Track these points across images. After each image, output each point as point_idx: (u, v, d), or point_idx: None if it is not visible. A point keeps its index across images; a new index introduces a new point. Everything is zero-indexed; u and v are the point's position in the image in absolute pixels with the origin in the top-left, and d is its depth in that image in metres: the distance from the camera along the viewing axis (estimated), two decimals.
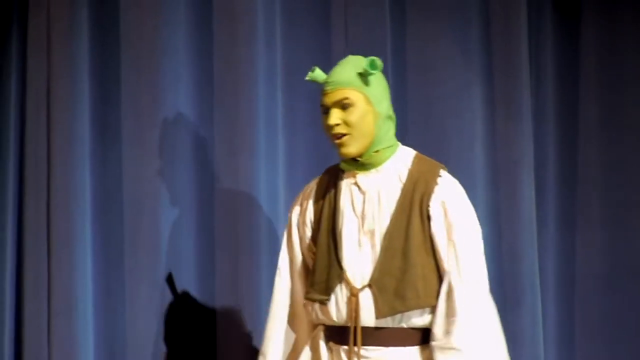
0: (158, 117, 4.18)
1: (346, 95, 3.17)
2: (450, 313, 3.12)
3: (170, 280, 4.14)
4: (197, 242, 4.19)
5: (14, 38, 4.20)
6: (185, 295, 4.17)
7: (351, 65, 3.21)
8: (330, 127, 3.17)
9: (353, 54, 4.20)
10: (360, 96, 3.18)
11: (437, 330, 3.13)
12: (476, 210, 4.21)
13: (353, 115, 3.17)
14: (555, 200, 4.40)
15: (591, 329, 4.36)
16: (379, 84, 3.22)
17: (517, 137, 4.30)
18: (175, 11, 4.21)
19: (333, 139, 3.20)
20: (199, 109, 4.23)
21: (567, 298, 4.39)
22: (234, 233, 4.15)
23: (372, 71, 3.18)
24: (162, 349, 4.15)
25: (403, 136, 4.24)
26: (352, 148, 3.18)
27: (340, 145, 3.19)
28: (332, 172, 3.34)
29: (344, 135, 3.17)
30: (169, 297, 4.16)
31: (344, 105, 3.18)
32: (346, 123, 3.17)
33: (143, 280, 4.14)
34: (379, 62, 3.19)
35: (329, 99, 3.20)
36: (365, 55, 4.19)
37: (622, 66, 4.36)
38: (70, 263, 4.08)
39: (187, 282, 4.18)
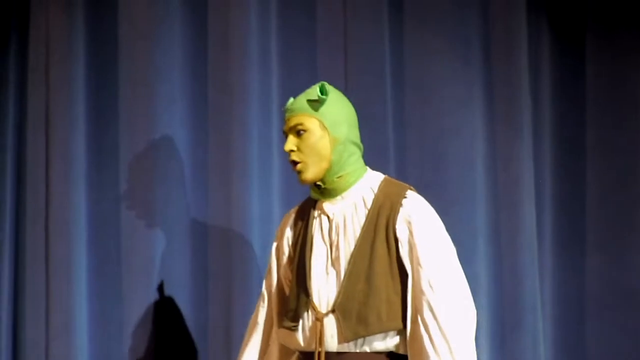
0: (153, 141, 4.21)
1: (300, 121, 3.22)
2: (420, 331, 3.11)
3: (164, 304, 4.17)
4: (191, 265, 4.21)
5: (11, 62, 4.27)
6: (179, 318, 4.19)
7: (307, 93, 3.26)
8: (288, 154, 3.23)
9: (351, 72, 4.26)
10: (315, 121, 3.21)
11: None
12: (477, 230, 4.22)
13: (307, 141, 3.21)
14: (552, 220, 4.34)
15: (587, 351, 4.30)
16: (336, 109, 3.23)
17: (517, 156, 4.26)
18: (170, 35, 4.25)
19: (292, 166, 3.25)
20: (193, 132, 4.26)
21: (564, 320, 4.32)
22: (227, 257, 4.16)
23: (323, 96, 3.20)
24: None
25: (402, 156, 4.26)
26: (308, 174, 3.22)
27: (298, 172, 3.24)
28: (308, 201, 3.38)
29: (298, 162, 3.21)
30: (163, 320, 4.19)
31: (298, 132, 3.22)
32: (300, 149, 3.21)
33: (138, 303, 4.17)
34: (328, 86, 3.23)
35: (286, 126, 3.26)
36: (363, 74, 4.23)
37: (621, 86, 4.31)
38: (68, 286, 4.12)
39: (181, 306, 4.20)
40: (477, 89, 4.28)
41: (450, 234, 3.26)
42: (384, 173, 3.34)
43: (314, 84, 3.63)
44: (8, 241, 4.19)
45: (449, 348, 3.09)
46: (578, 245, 4.33)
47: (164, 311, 4.18)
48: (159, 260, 4.17)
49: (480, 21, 4.30)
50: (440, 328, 3.09)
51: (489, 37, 4.30)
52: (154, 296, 4.17)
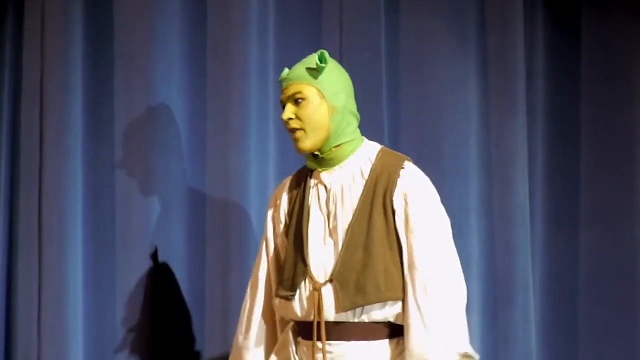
0: (150, 110, 4.20)
1: (299, 90, 3.21)
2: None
3: (160, 274, 4.17)
4: (188, 236, 4.21)
5: (8, 33, 4.24)
6: (176, 289, 4.19)
7: (304, 62, 3.25)
8: (285, 122, 3.22)
9: (347, 49, 4.26)
10: (313, 90, 3.21)
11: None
12: (470, 206, 4.23)
13: (305, 110, 3.20)
14: (544, 198, 4.35)
15: (577, 328, 4.32)
16: (335, 78, 3.23)
17: (512, 132, 4.28)
18: (169, 4, 4.24)
19: (290, 134, 3.24)
20: (191, 103, 4.26)
21: (555, 296, 4.34)
22: (224, 228, 4.18)
23: (322, 64, 3.20)
24: (152, 343, 4.17)
25: (396, 132, 4.26)
26: (306, 143, 3.22)
27: (295, 140, 3.23)
28: (304, 171, 3.37)
29: (298, 130, 3.21)
30: (159, 291, 4.19)
31: (296, 100, 3.22)
32: (299, 117, 3.20)
33: (133, 274, 4.17)
34: (327, 55, 3.22)
35: (284, 95, 3.25)
36: (359, 50, 4.23)
37: (615, 65, 4.34)
38: (61, 257, 4.10)
39: (178, 277, 4.20)
40: (472, 65, 4.30)
41: (444, 209, 3.27)
42: None
43: None
44: (2, 212, 4.17)
45: (442, 332, 3.09)
46: (570, 222, 4.35)
47: (160, 280, 4.19)
48: (155, 230, 4.17)
49: None
50: (433, 309, 3.09)
51: (484, 14, 4.31)
52: (150, 265, 4.17)
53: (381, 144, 3.35)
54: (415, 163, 3.29)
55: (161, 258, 4.18)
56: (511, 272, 4.23)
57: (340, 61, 4.17)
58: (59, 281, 4.11)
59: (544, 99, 4.37)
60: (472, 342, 4.13)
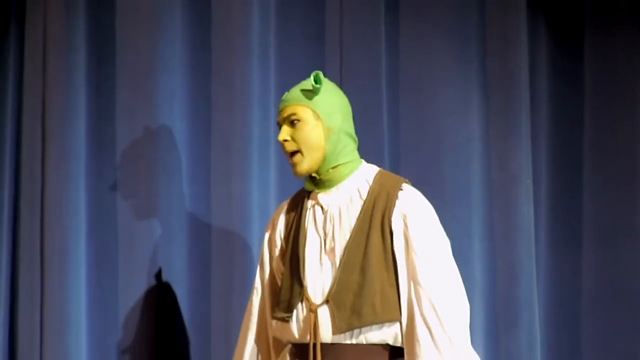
0: (153, 133, 4.22)
1: (294, 111, 3.22)
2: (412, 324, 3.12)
3: (163, 296, 4.17)
4: (190, 258, 4.21)
5: (10, 53, 4.25)
6: (179, 310, 4.19)
7: (300, 84, 3.27)
8: (281, 144, 3.23)
9: (347, 72, 4.27)
10: (308, 111, 3.22)
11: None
12: (473, 229, 4.22)
13: (301, 131, 3.21)
14: (547, 219, 4.34)
15: (582, 349, 4.30)
16: (330, 99, 3.24)
17: (515, 155, 4.27)
18: (172, 27, 4.25)
19: (288, 158, 3.25)
20: (194, 126, 4.26)
21: (559, 319, 4.32)
22: (228, 250, 4.18)
23: (317, 85, 3.21)
24: None
25: (397, 154, 4.26)
26: (303, 165, 3.22)
27: (293, 165, 3.24)
28: (301, 193, 3.37)
29: (295, 153, 3.21)
30: (162, 311, 4.19)
31: (292, 122, 3.23)
32: (294, 139, 3.21)
33: (136, 295, 4.17)
34: (322, 76, 3.23)
35: (280, 117, 3.27)
36: (360, 74, 4.24)
37: (618, 87, 4.35)
38: (64, 277, 4.10)
39: (181, 298, 4.20)
40: (474, 88, 4.30)
41: (446, 233, 3.26)
42: None
43: None
44: (6, 234, 4.17)
45: (450, 343, 3.09)
46: (574, 244, 4.33)
47: (163, 302, 4.18)
48: (158, 252, 4.17)
49: (478, 20, 4.32)
50: (440, 323, 3.09)
51: (486, 35, 4.32)
52: (152, 288, 4.17)
53: (382, 166, 3.35)
54: (416, 186, 3.28)
55: (164, 280, 4.18)
56: (515, 293, 4.22)
57: (341, 84, 4.19)
58: (61, 302, 4.10)
59: (547, 121, 4.37)
60: None
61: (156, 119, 4.22)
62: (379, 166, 3.33)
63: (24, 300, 4.13)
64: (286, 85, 4.12)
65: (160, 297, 4.18)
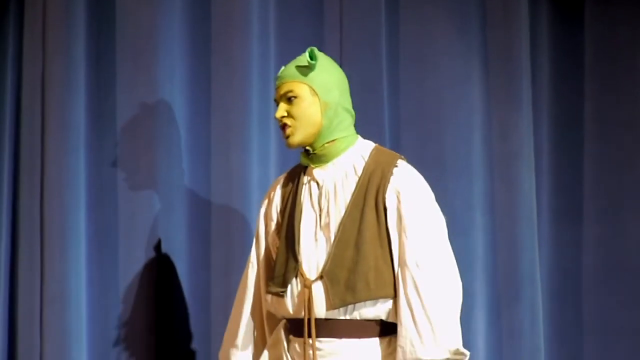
0: (153, 107, 4.20)
1: (290, 88, 3.22)
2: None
3: (163, 271, 4.17)
4: (191, 233, 4.21)
5: (10, 27, 4.23)
6: (179, 286, 4.19)
7: (296, 60, 3.26)
8: (278, 120, 3.23)
9: (347, 46, 4.24)
10: (305, 87, 3.21)
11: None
12: (474, 202, 4.20)
13: (297, 107, 3.21)
14: (549, 192, 4.32)
15: (584, 322, 4.29)
16: (327, 74, 3.23)
17: (516, 128, 4.26)
18: (172, 2, 4.23)
19: (282, 131, 3.25)
20: (194, 101, 4.25)
21: (561, 292, 4.31)
22: (227, 225, 4.17)
23: (312, 61, 3.20)
24: (156, 339, 4.17)
25: (398, 129, 4.24)
26: (295, 137, 3.22)
27: (286, 136, 3.23)
28: (297, 168, 3.37)
29: (288, 126, 3.21)
30: (162, 288, 4.18)
31: (289, 98, 3.22)
32: (291, 115, 3.21)
33: (136, 270, 4.16)
34: (317, 52, 3.22)
35: (277, 94, 3.27)
36: (360, 48, 4.21)
37: (620, 58, 4.33)
38: (64, 253, 4.09)
39: (181, 273, 4.19)
40: (475, 59, 4.27)
41: (447, 206, 3.26)
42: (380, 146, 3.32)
43: None
44: (4, 208, 4.17)
45: (432, 329, 3.06)
46: (576, 217, 4.31)
47: (163, 277, 4.18)
48: (157, 227, 4.16)
49: None
50: (423, 307, 3.07)
51: (487, 8, 4.28)
52: (152, 262, 4.16)
53: (382, 141, 3.34)
54: (414, 161, 3.26)
55: (164, 254, 4.18)
56: (517, 267, 4.20)
57: (341, 59, 4.18)
58: (61, 277, 4.09)
59: (548, 92, 4.34)
60: (477, 338, 4.16)
61: (156, 93, 4.20)
62: (379, 138, 3.32)
63: (24, 274, 4.12)
64: (286, 58, 4.12)
65: (160, 271, 4.18)
